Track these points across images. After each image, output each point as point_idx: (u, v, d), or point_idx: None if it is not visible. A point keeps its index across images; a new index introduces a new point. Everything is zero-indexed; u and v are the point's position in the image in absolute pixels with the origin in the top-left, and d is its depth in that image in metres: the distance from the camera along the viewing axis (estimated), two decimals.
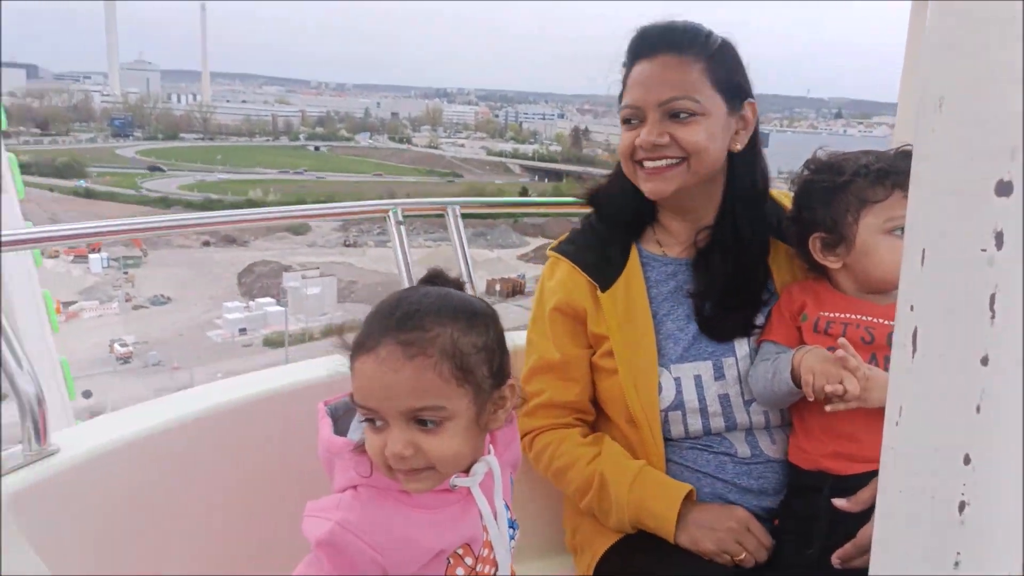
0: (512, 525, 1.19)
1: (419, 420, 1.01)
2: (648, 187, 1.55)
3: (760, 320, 1.58)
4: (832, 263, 1.50)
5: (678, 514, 1.46)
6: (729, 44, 1.56)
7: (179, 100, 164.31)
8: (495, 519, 1.13)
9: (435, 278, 1.15)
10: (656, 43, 1.52)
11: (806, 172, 1.55)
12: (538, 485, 1.66)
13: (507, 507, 1.19)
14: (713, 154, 1.52)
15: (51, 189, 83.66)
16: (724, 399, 1.54)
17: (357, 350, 1.04)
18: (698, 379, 1.54)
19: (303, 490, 1.15)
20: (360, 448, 1.07)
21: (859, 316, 1.45)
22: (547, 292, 1.67)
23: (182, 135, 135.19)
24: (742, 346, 1.56)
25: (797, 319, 1.52)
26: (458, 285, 1.15)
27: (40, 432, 1.35)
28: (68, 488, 1.34)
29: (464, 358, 1.02)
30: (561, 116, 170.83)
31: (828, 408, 1.35)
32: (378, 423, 1.03)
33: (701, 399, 1.53)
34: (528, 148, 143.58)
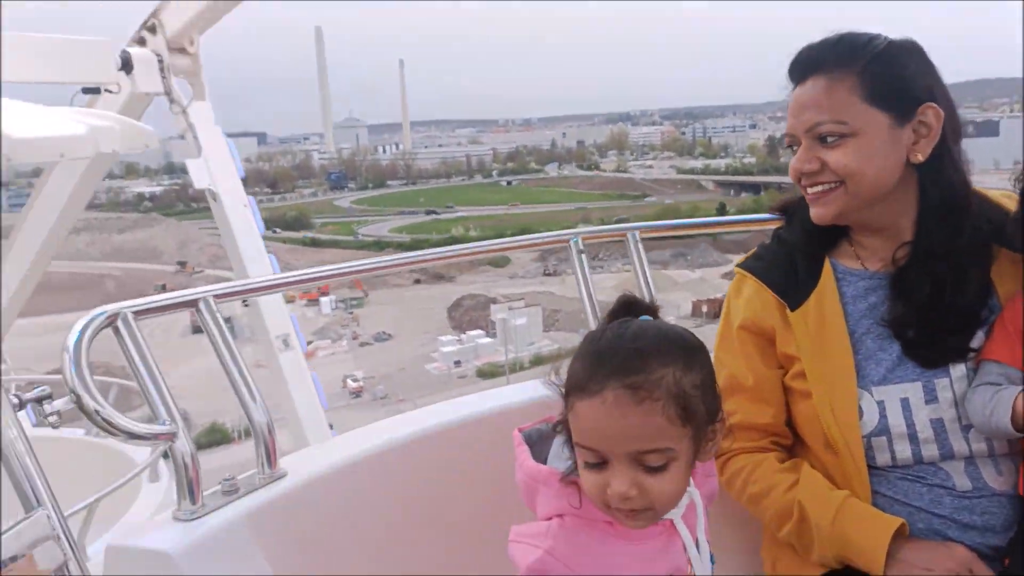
0: (710, 559, 1.18)
1: (643, 461, 1.01)
2: (812, 213, 1.51)
3: (978, 342, 1.43)
4: None
5: (888, 551, 1.35)
6: (896, 48, 1.44)
7: (384, 151, 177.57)
8: (698, 551, 1.13)
9: (630, 305, 1.15)
10: (804, 67, 1.47)
11: None
12: (733, 513, 1.61)
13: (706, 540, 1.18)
14: (873, 173, 1.42)
15: (283, 241, 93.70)
16: (937, 424, 1.41)
17: (579, 393, 1.03)
18: (905, 402, 1.43)
19: (507, 512, 1.19)
20: (567, 478, 1.09)
21: None
22: (733, 310, 1.63)
23: (388, 182, 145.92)
24: (958, 366, 1.43)
25: None
26: (652, 310, 1.14)
27: (271, 457, 1.50)
28: (295, 508, 1.48)
29: (687, 399, 1.01)
30: (753, 126, 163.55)
31: None
32: (597, 462, 1.03)
33: (909, 424, 1.42)
34: (720, 163, 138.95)
